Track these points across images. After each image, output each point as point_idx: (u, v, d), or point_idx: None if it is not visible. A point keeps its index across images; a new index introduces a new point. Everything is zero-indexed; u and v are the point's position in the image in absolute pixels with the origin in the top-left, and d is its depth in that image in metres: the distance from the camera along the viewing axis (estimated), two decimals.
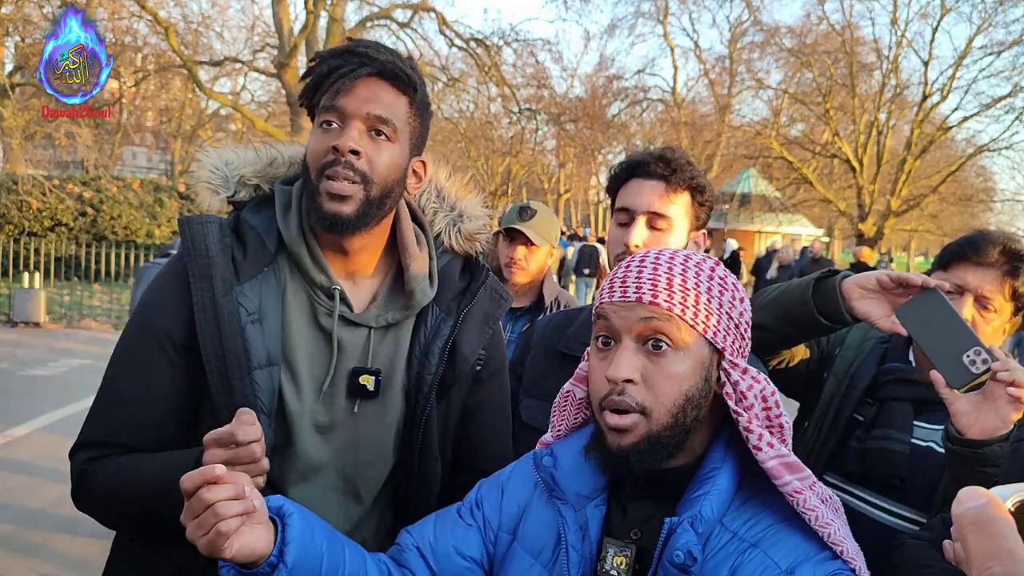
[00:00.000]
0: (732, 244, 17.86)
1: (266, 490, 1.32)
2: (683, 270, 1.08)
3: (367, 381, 1.38)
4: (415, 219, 1.50)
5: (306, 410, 1.36)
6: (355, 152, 1.31)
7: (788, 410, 1.14)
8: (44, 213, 15.26)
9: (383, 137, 1.34)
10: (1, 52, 18.03)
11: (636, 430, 1.04)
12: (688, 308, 1.05)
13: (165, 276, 1.38)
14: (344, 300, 1.38)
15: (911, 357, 1.81)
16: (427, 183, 1.54)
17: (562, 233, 23.26)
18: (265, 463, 1.15)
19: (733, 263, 15.48)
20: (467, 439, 1.52)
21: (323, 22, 20.77)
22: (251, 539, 0.98)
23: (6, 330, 10.96)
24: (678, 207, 1.70)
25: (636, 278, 1.08)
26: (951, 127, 24.71)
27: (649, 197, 1.69)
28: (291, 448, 1.36)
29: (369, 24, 22.85)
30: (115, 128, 23.65)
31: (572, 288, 13.98)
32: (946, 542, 1.24)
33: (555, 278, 3.16)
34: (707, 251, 1.82)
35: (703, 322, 1.06)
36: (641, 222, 1.69)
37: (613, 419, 1.05)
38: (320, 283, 1.37)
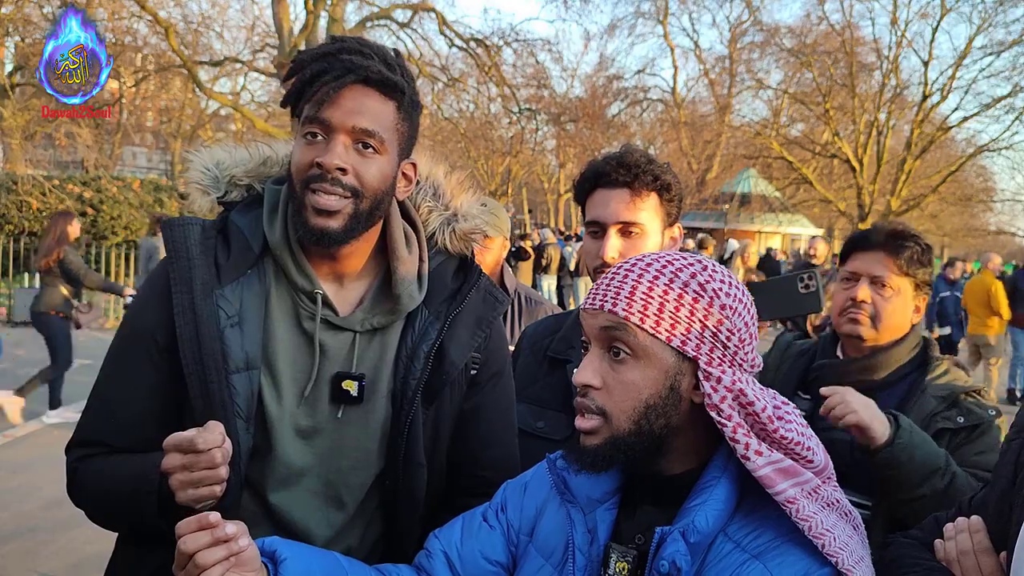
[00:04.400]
0: (733, 244, 17.83)
1: (246, 493, 1.32)
2: (653, 278, 1.06)
3: (350, 386, 1.35)
4: (408, 218, 1.46)
5: (287, 415, 1.34)
6: (342, 169, 1.28)
7: None
8: (44, 213, 15.23)
9: (370, 150, 1.30)
10: (1, 52, 18.03)
11: (599, 433, 1.06)
12: (648, 317, 1.04)
13: (153, 278, 1.38)
14: (328, 304, 1.36)
15: (839, 352, 1.90)
16: (424, 181, 1.51)
17: (560, 233, 23.27)
18: (223, 472, 1.14)
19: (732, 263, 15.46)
20: (465, 444, 1.47)
21: (323, 22, 20.80)
22: None
23: (6, 330, 10.95)
24: (647, 211, 1.69)
25: (605, 287, 1.08)
26: (951, 127, 24.74)
27: (616, 207, 1.68)
28: (271, 453, 1.34)
29: (369, 24, 22.87)
30: (115, 128, 23.62)
31: (577, 288, 13.94)
32: (937, 541, 1.25)
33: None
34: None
35: (667, 331, 1.04)
36: (613, 233, 1.67)
37: (579, 421, 1.08)
38: (303, 287, 1.35)
